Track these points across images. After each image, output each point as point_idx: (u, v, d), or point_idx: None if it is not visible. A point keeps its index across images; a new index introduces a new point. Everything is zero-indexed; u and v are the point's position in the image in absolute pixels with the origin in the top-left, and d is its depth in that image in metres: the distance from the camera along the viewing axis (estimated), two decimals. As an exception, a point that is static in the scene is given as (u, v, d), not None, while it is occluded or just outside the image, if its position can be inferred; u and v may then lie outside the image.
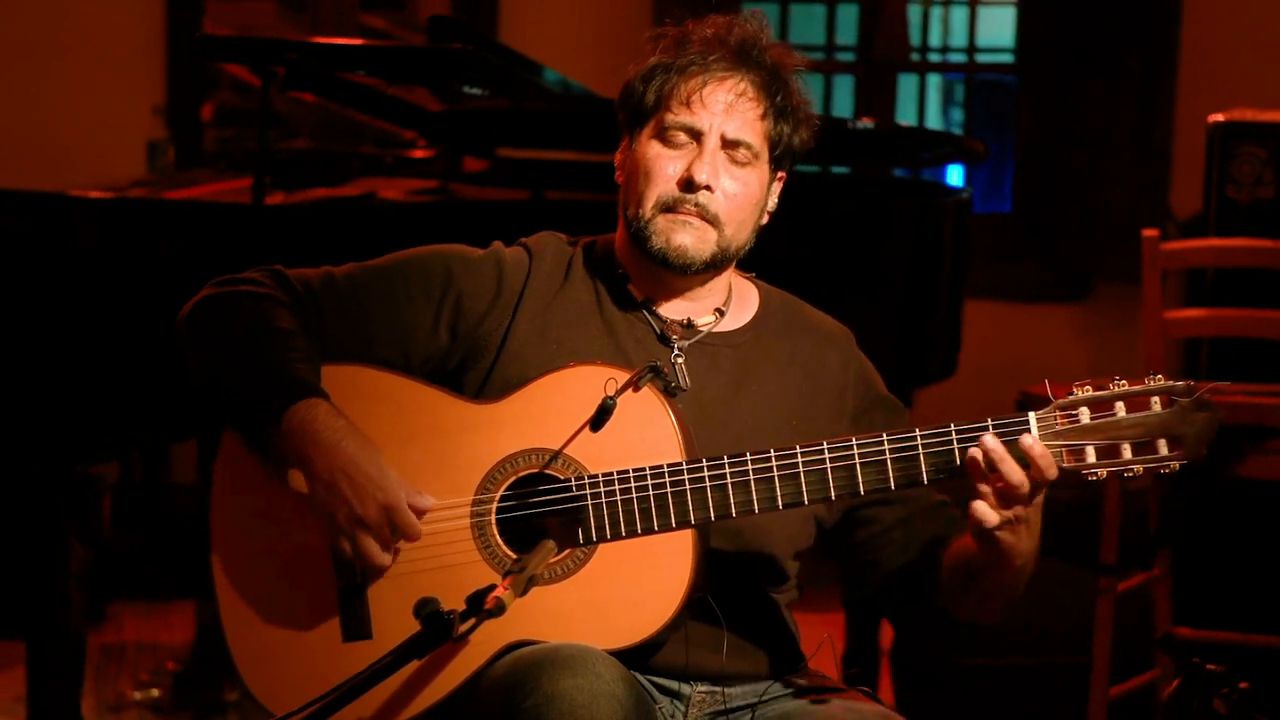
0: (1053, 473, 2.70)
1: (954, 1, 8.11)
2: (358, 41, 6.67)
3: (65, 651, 4.47)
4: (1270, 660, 4.87)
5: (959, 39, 8.18)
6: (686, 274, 2.94)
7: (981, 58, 8.17)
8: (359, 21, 7.61)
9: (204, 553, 2.94)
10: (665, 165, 2.91)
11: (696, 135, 2.90)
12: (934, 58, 8.19)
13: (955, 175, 8.32)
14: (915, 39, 7.98)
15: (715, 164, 2.89)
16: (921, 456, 2.75)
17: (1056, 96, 7.56)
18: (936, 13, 8.14)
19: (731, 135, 2.90)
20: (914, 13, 7.95)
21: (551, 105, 5.29)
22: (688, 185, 2.89)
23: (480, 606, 2.55)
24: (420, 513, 2.81)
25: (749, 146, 2.91)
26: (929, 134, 7.12)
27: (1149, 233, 5.03)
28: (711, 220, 2.90)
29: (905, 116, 8.08)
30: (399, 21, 8.05)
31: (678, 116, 2.90)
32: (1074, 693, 5.14)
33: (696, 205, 2.89)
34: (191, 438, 5.26)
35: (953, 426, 2.74)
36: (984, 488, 2.71)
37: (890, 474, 2.76)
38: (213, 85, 7.57)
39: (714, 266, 2.95)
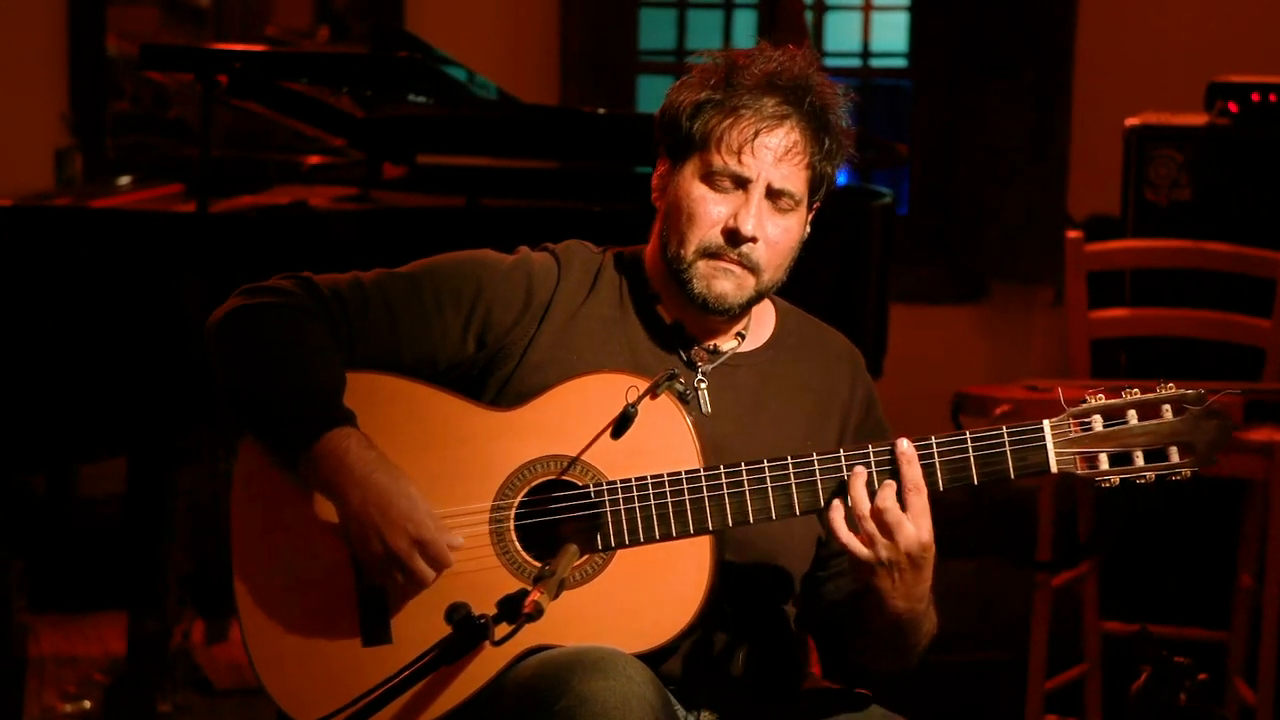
0: (916, 483, 2.74)
1: (847, 7, 8.20)
2: (306, 50, 6.67)
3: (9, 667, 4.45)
4: (1199, 653, 4.97)
5: (852, 43, 8.26)
6: (723, 317, 2.96)
7: (875, 62, 8.26)
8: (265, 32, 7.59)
9: (224, 561, 2.94)
10: (710, 209, 2.90)
11: (743, 183, 2.89)
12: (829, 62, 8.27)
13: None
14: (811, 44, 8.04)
15: (761, 215, 2.89)
16: (938, 465, 2.78)
17: (952, 100, 7.66)
18: (829, 17, 8.23)
19: (778, 185, 2.88)
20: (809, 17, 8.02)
21: (488, 113, 5.31)
22: (733, 237, 2.89)
23: (516, 611, 2.58)
24: (451, 550, 2.83)
25: (792, 196, 2.90)
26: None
27: (1073, 234, 5.12)
28: (752, 268, 2.91)
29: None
30: (284, 28, 8.03)
31: (726, 163, 2.88)
32: (999, 688, 5.24)
33: (739, 255, 2.90)
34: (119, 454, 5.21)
35: (968, 434, 2.78)
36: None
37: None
38: (116, 94, 7.50)
39: (749, 307, 2.98)
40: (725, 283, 2.92)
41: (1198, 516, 5.37)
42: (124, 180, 5.85)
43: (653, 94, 8.01)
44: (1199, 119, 5.53)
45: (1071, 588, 5.11)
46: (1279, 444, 4.74)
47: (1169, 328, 5.15)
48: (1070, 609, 5.17)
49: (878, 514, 2.74)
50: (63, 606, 6.24)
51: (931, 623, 2.91)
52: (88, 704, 5.38)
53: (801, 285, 3.09)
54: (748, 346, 3.04)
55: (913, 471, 2.75)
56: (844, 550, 2.77)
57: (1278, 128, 5.45)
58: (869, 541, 2.75)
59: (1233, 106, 5.48)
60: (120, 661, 5.59)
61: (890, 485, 2.75)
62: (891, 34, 8.16)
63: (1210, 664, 4.89)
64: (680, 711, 2.91)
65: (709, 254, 2.91)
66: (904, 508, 2.74)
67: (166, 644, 5.26)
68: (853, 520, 2.76)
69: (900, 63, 8.16)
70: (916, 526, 2.74)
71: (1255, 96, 5.47)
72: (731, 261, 2.91)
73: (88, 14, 7.37)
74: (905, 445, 2.76)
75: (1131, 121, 5.56)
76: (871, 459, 2.79)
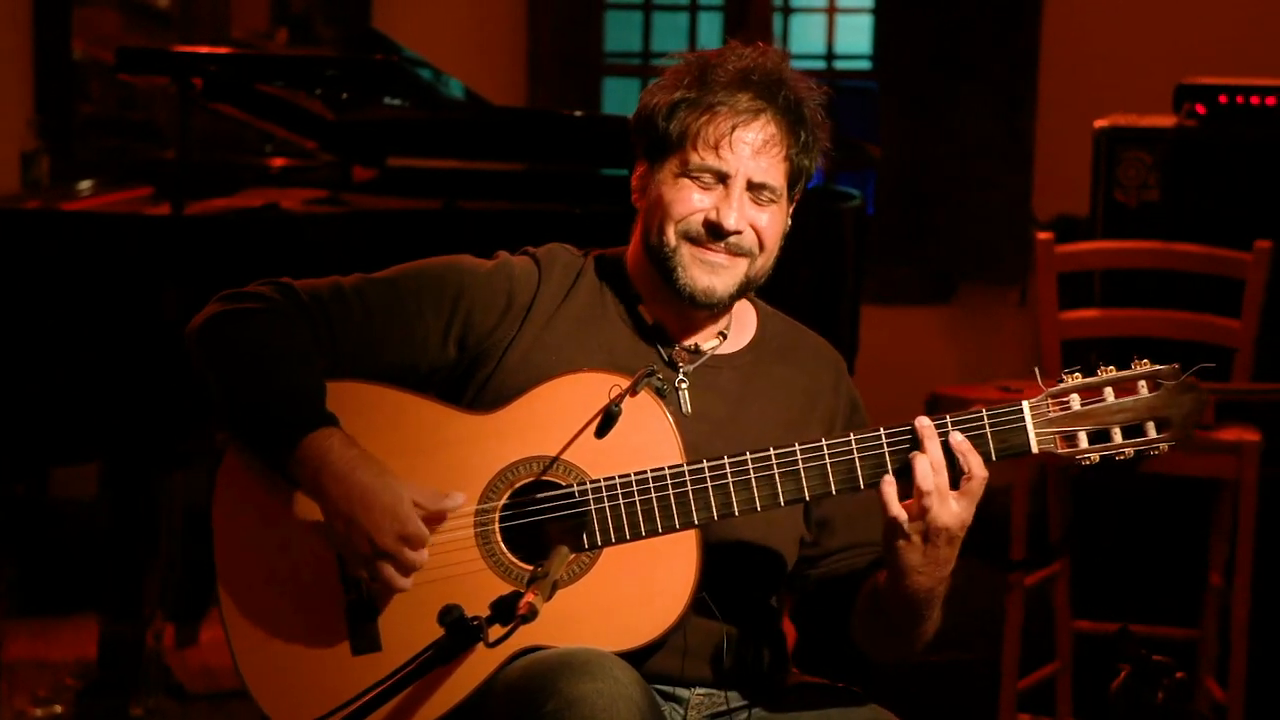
0: (980, 472, 2.76)
1: (811, 9, 8.22)
2: (283, 53, 6.67)
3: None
4: (1170, 651, 4.99)
5: (817, 46, 8.27)
6: (711, 311, 2.98)
7: (839, 64, 8.27)
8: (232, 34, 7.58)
9: (207, 569, 2.94)
10: (691, 197, 2.92)
11: (723, 178, 2.91)
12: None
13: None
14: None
15: (743, 208, 2.91)
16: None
17: (918, 101, 7.68)
18: (794, 20, 8.24)
19: (757, 179, 2.91)
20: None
21: (462, 115, 5.32)
22: (715, 230, 2.91)
23: (509, 613, 2.58)
24: (441, 517, 2.83)
25: (773, 189, 2.93)
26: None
27: (1043, 235, 5.14)
28: (744, 253, 2.93)
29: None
30: (245, 30, 8.01)
31: (704, 160, 2.90)
32: (972, 687, 5.25)
33: (728, 245, 2.92)
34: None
35: (949, 418, 2.79)
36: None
37: (889, 466, 2.80)
38: (83, 97, 7.48)
39: (737, 298, 2.99)
40: (714, 278, 2.93)
41: (1169, 516, 5.39)
42: (86, 184, 5.81)
43: (618, 95, 8.03)
44: (1167, 120, 5.58)
45: (1044, 587, 5.13)
46: (1249, 443, 4.77)
47: (1139, 328, 5.16)
48: (1042, 608, 5.18)
49: (940, 479, 2.75)
50: (34, 610, 6.21)
51: (940, 614, 2.93)
52: (59, 708, 5.34)
53: (780, 285, 3.10)
54: (729, 348, 3.05)
55: (975, 460, 2.76)
56: (890, 523, 2.77)
57: (1245, 129, 5.50)
58: (920, 506, 2.75)
59: (1200, 108, 5.52)
60: (92, 665, 5.57)
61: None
62: (856, 36, 8.18)
63: (1182, 663, 4.93)
64: (666, 709, 2.92)
65: (691, 239, 2.93)
66: (956, 486, 2.76)
67: (140, 648, 5.24)
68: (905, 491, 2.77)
69: (865, 65, 8.18)
70: (962, 506, 2.75)
71: (1223, 98, 5.52)
72: (718, 251, 2.92)
73: (53, 17, 7.34)
74: (960, 438, 2.76)
75: (1101, 123, 5.60)
76: (854, 445, 2.81)
